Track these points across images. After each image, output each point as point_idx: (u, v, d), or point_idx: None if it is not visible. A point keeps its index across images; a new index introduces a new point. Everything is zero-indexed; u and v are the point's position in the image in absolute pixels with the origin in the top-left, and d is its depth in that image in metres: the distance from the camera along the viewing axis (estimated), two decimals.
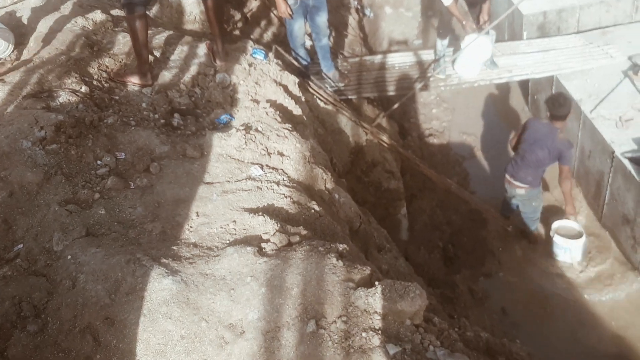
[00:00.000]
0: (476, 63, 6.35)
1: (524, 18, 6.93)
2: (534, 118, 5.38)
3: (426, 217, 6.20)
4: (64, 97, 4.11)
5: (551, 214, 5.94)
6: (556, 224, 5.57)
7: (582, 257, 5.52)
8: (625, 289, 5.26)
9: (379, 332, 2.52)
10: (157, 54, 4.93)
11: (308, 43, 6.32)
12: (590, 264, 5.53)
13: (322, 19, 5.76)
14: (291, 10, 5.47)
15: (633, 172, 5.04)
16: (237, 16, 6.68)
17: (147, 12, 4.67)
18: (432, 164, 6.44)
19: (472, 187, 6.64)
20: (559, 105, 4.98)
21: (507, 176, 5.50)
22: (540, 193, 5.56)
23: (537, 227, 5.84)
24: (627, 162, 5.14)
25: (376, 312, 2.60)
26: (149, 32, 4.89)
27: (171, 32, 5.34)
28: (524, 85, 7.32)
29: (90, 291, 2.81)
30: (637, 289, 5.24)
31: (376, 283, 2.71)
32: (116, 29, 5.13)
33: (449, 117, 7.62)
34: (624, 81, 6.04)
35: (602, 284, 5.35)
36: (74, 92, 4.18)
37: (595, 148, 5.69)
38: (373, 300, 2.62)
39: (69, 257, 3.00)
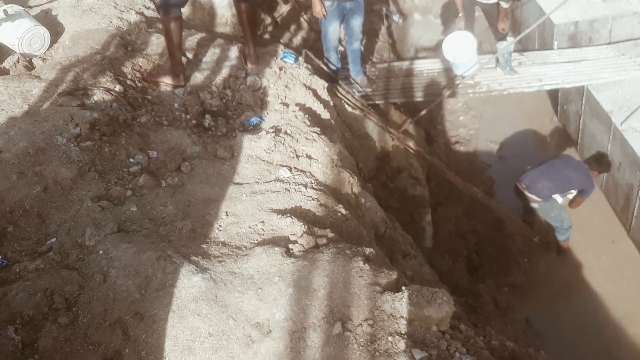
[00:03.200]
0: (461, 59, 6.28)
1: (555, 28, 6.87)
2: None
3: (451, 225, 6.16)
4: (98, 95, 4.20)
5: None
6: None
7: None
8: None
9: (405, 336, 2.52)
10: (190, 55, 5.01)
11: (340, 48, 6.33)
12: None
13: (358, 22, 5.74)
14: (325, 11, 5.44)
15: None
16: (268, 20, 6.74)
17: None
18: (458, 172, 6.39)
19: (498, 196, 6.58)
20: (605, 163, 5.49)
21: (523, 186, 5.45)
22: (554, 202, 5.49)
23: (569, 237, 5.76)
24: None
25: (402, 317, 2.60)
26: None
27: (203, 34, 5.41)
28: (553, 95, 7.25)
29: (121, 286, 2.86)
30: None
31: (403, 288, 2.72)
32: (150, 30, 5.22)
33: (476, 125, 7.57)
34: None
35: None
36: (108, 90, 4.27)
37: (625, 160, 5.62)
38: (400, 304, 2.63)
39: (101, 252, 3.06)
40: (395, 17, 8.53)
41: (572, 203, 5.65)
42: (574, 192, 5.55)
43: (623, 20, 6.90)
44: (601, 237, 5.91)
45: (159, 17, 5.30)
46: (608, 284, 5.45)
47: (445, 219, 6.22)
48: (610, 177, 6.01)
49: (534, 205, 5.46)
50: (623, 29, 6.95)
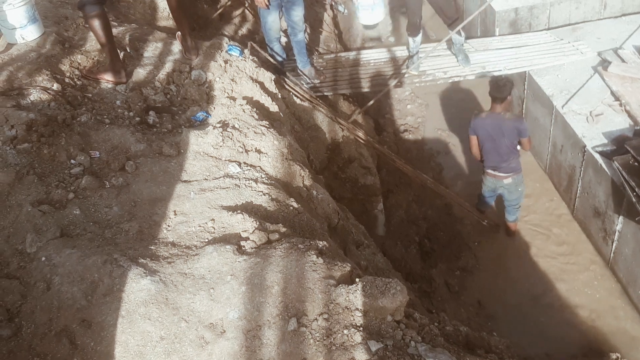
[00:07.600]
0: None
1: (497, 14, 7.00)
2: (475, 116, 5.39)
3: (403, 212, 6.22)
4: (35, 95, 4.03)
5: None
6: None
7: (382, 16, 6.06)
8: (598, 285, 5.37)
9: (361, 328, 2.52)
10: (131, 50, 4.85)
11: (283, 39, 6.28)
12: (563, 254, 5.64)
13: (298, 13, 5.72)
14: (268, 0, 5.42)
15: (604, 165, 5.14)
16: (212, 13, 6.61)
17: (106, 9, 4.57)
18: (408, 160, 6.46)
19: (447, 181, 6.69)
20: (501, 86, 5.12)
21: (490, 171, 5.50)
22: (522, 177, 5.61)
23: (518, 217, 5.88)
24: (597, 156, 5.23)
25: (357, 309, 2.60)
26: (122, 28, 4.82)
27: (145, 28, 5.26)
28: None
29: (66, 293, 2.76)
30: (609, 286, 5.35)
31: (357, 280, 2.72)
32: (87, 26, 5.02)
33: (423, 112, 7.66)
34: (594, 77, 6.14)
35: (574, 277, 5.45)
36: (45, 89, 4.09)
37: (567, 142, 5.79)
38: (354, 297, 2.62)
39: (43, 258, 2.94)
40: (341, 8, 8.53)
41: (523, 150, 5.49)
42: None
43: (561, 6, 7.10)
44: (548, 218, 6.07)
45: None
46: (555, 263, 5.61)
47: (397, 206, 6.27)
48: (553, 159, 6.19)
49: (508, 180, 5.51)
50: (561, 14, 7.16)
